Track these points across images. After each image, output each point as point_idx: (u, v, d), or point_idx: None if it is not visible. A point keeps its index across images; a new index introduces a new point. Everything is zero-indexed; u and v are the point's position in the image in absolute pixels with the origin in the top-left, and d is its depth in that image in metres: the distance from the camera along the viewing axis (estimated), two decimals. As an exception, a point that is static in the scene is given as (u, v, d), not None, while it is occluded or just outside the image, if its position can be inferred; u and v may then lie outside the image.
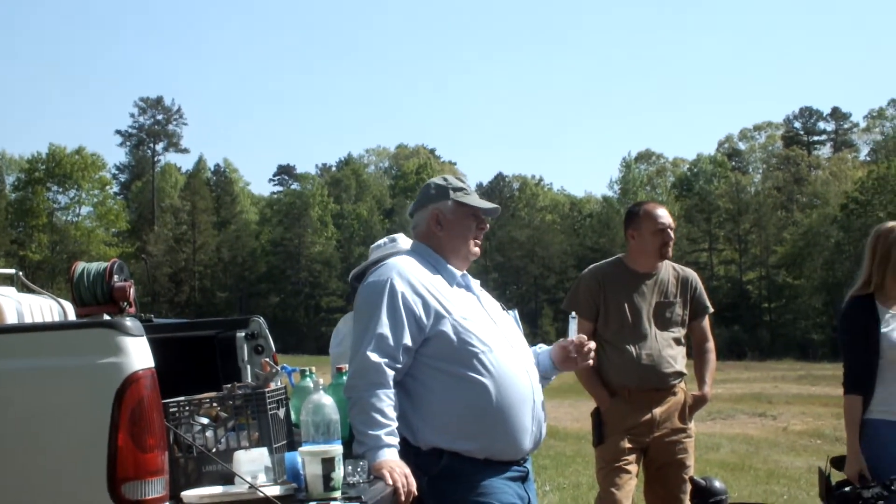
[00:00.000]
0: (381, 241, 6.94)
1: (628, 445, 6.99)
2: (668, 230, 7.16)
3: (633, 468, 7.03)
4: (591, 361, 5.17)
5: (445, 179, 5.08)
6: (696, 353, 7.46)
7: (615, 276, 7.20)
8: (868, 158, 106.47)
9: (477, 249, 5.01)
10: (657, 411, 7.04)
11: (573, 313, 5.31)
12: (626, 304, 7.07)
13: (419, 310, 4.62)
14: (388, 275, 4.69)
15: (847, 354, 6.69)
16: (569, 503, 11.62)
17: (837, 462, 6.70)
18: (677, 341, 7.19)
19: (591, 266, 7.51)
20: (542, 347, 5.23)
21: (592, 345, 5.14)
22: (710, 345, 7.49)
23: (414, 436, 4.63)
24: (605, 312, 7.07)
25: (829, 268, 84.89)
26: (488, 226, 5.07)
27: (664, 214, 7.21)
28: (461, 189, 5.00)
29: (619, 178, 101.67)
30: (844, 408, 6.64)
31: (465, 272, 4.96)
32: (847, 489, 6.31)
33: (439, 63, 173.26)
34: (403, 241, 6.76)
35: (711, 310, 7.49)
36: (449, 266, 4.90)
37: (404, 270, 4.72)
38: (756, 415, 25.22)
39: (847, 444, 6.59)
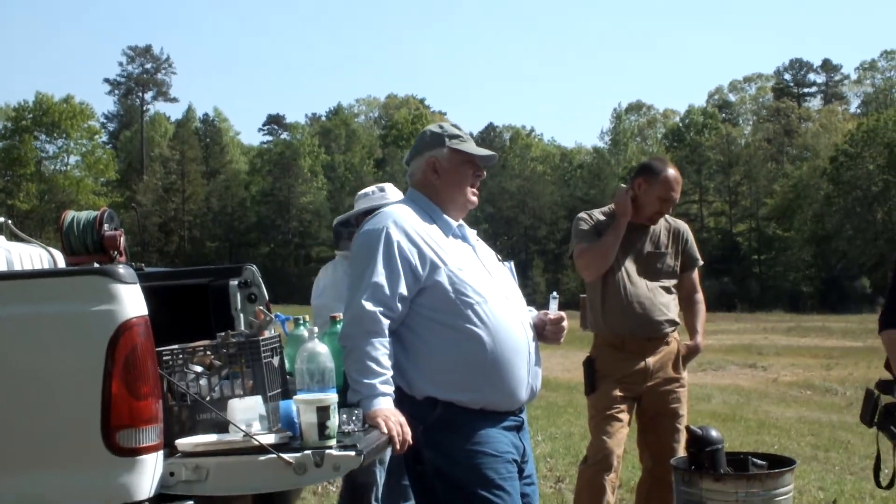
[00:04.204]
0: (368, 190, 6.92)
1: (620, 394, 6.99)
2: (670, 203, 7.15)
3: (625, 417, 7.03)
4: (560, 341, 5.09)
5: (441, 127, 5.02)
6: (685, 304, 7.44)
7: (608, 224, 7.16)
8: (858, 111, 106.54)
9: (474, 198, 4.96)
10: (650, 360, 7.03)
11: (554, 293, 5.27)
12: (618, 253, 7.05)
13: (415, 259, 4.58)
14: (383, 223, 4.65)
15: (890, 294, 6.62)
16: (561, 452, 11.64)
17: (884, 386, 6.66)
18: (667, 290, 7.17)
19: (584, 212, 7.43)
20: (532, 312, 5.19)
21: (566, 325, 5.07)
22: (700, 296, 7.49)
23: (409, 385, 4.61)
24: None
25: (818, 220, 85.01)
26: (485, 174, 5.02)
27: (677, 188, 7.16)
28: (457, 136, 4.94)
29: (609, 130, 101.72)
30: (886, 343, 6.58)
31: (461, 222, 4.92)
32: None
33: (429, 11, 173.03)
34: (392, 191, 6.74)
35: (701, 262, 7.47)
36: (445, 216, 4.86)
37: (400, 219, 4.68)
38: (746, 366, 25.36)
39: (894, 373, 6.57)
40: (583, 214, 7.33)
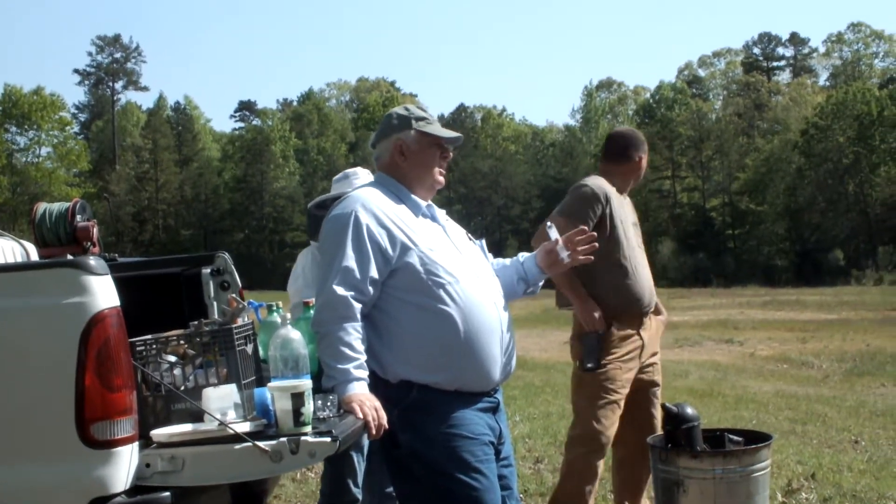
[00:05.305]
0: (349, 171, 6.91)
1: (626, 376, 6.82)
2: None
3: (623, 400, 6.84)
4: (592, 256, 5.04)
5: (407, 109, 5.01)
6: None
7: (613, 193, 6.95)
8: (827, 83, 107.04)
9: (441, 179, 4.95)
10: (645, 336, 6.95)
11: (548, 222, 5.22)
12: (623, 224, 6.91)
13: (385, 241, 4.57)
14: (352, 207, 4.64)
15: None
16: (539, 433, 11.64)
17: None
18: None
19: (594, 177, 7.04)
20: (524, 255, 5.19)
21: (593, 234, 5.02)
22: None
23: (383, 369, 4.60)
24: (604, 228, 6.71)
25: (790, 193, 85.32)
26: (451, 155, 5.02)
27: None
28: (423, 118, 4.93)
29: (580, 107, 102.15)
30: None
31: (430, 202, 4.92)
32: None
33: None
34: (365, 175, 6.72)
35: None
36: (413, 196, 4.85)
37: (369, 202, 4.67)
38: (723, 341, 25.42)
39: None
40: (595, 187, 6.87)
